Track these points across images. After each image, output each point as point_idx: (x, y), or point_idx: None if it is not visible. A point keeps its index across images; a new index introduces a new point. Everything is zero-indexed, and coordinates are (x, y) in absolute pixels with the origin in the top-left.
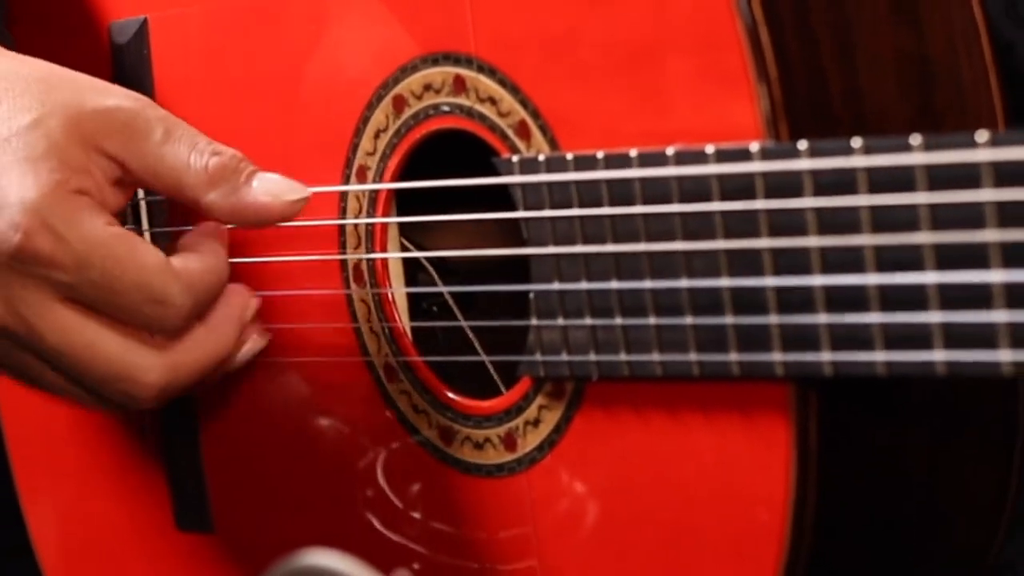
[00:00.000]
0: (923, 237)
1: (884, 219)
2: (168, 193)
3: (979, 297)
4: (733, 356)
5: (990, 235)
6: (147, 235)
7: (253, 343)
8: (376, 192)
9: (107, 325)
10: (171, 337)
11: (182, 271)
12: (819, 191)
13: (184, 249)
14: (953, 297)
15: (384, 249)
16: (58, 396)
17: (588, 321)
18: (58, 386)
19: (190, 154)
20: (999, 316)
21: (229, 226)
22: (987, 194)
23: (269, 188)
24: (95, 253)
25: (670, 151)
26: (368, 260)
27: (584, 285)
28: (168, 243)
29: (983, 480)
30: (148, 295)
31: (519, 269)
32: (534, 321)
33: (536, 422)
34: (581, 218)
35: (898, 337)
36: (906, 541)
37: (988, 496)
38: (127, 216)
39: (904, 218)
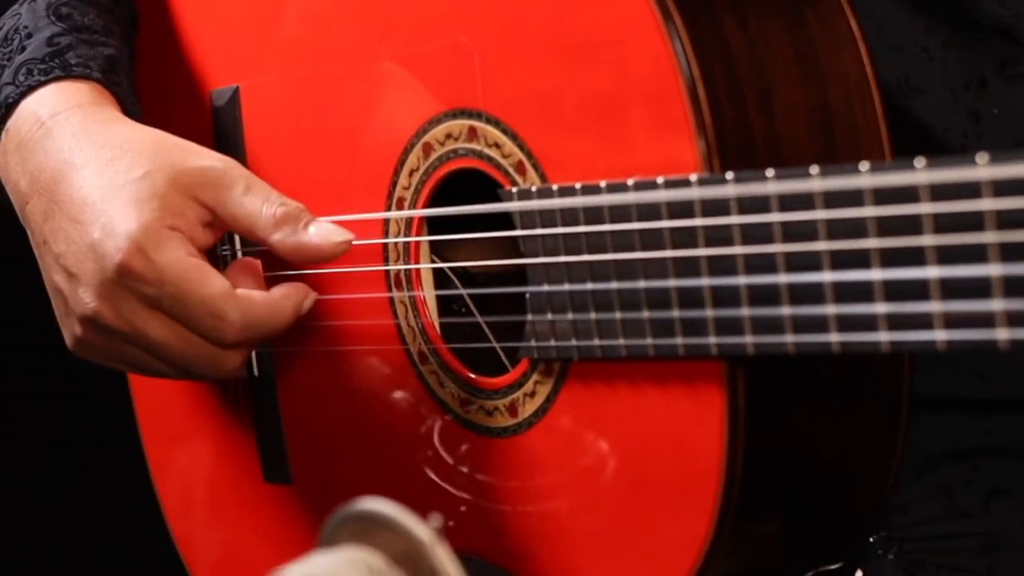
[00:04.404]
0: (821, 245)
1: (791, 231)
2: (243, 234)
3: (864, 291)
4: (679, 340)
5: (872, 243)
6: None
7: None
8: (411, 217)
9: (184, 328)
10: (228, 348)
11: (243, 297)
12: (742, 210)
13: (269, 290)
14: (844, 291)
15: (417, 261)
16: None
17: (570, 316)
18: (156, 368)
19: (263, 205)
20: (880, 308)
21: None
22: (869, 210)
23: (322, 233)
24: (174, 273)
25: (630, 182)
26: (405, 270)
27: (567, 287)
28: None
29: (877, 436)
30: (209, 310)
31: (524, 276)
32: (529, 316)
33: (532, 394)
34: (564, 235)
35: (803, 324)
36: (817, 486)
37: (881, 448)
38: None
39: (807, 230)
